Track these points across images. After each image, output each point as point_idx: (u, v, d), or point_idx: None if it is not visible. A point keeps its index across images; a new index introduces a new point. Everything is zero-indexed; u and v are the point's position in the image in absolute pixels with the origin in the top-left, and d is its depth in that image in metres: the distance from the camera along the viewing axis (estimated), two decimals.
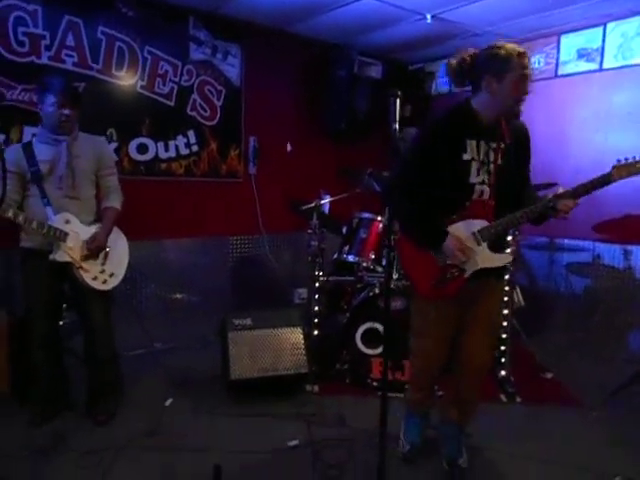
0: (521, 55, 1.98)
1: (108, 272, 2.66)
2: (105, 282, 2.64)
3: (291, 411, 2.87)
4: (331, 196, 3.69)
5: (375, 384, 3.11)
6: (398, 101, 1.83)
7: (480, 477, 2.33)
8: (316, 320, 3.32)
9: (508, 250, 3.17)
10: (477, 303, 2.21)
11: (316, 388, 3.15)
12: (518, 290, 3.66)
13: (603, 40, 3.97)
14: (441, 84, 5.11)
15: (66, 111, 2.49)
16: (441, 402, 2.49)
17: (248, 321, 3.10)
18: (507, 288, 3.29)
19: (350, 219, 3.51)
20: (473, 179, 2.09)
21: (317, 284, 3.33)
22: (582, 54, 4.10)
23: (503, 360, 3.31)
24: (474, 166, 2.08)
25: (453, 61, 2.14)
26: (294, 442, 2.53)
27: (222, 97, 4.34)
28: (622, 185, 3.85)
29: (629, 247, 3.85)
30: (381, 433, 1.91)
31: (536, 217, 2.14)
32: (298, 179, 4.55)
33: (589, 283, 4.12)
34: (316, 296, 3.33)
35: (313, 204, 3.34)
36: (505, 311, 3.31)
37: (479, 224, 2.11)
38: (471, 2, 3.66)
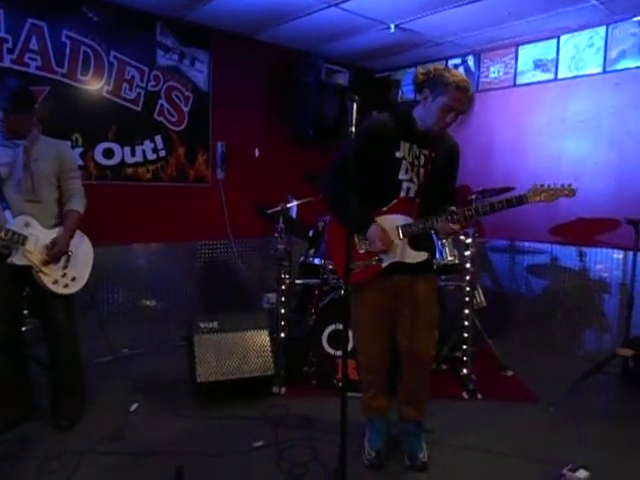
0: (460, 89, 2.12)
1: (70, 276, 2.64)
2: (67, 286, 2.63)
3: (257, 413, 2.90)
4: (298, 200, 3.74)
5: (341, 385, 3.15)
6: (355, 105, 1.91)
7: (440, 470, 2.39)
8: (283, 323, 3.35)
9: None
10: (410, 298, 2.32)
11: (283, 390, 3.19)
12: (480, 291, 3.78)
13: (557, 51, 4.15)
14: (407, 92, 5.23)
15: (12, 116, 2.48)
16: (397, 402, 2.53)
17: (214, 324, 3.12)
18: (468, 289, 3.40)
19: (316, 223, 3.57)
20: (402, 176, 2.26)
21: (283, 287, 3.37)
22: (538, 64, 4.27)
23: (465, 359, 3.41)
24: (404, 164, 2.25)
25: (417, 71, 2.30)
26: (259, 443, 2.56)
27: (190, 103, 4.35)
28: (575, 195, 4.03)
29: (583, 249, 4.02)
30: (342, 432, 1.96)
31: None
32: (266, 184, 4.59)
33: (548, 284, 4.28)
34: (283, 299, 3.37)
35: (279, 208, 3.38)
36: (466, 311, 3.42)
37: (403, 220, 2.26)
38: (432, 13, 3.77)
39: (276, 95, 4.80)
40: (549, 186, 2.14)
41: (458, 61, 4.78)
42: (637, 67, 3.73)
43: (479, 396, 3.22)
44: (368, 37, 4.36)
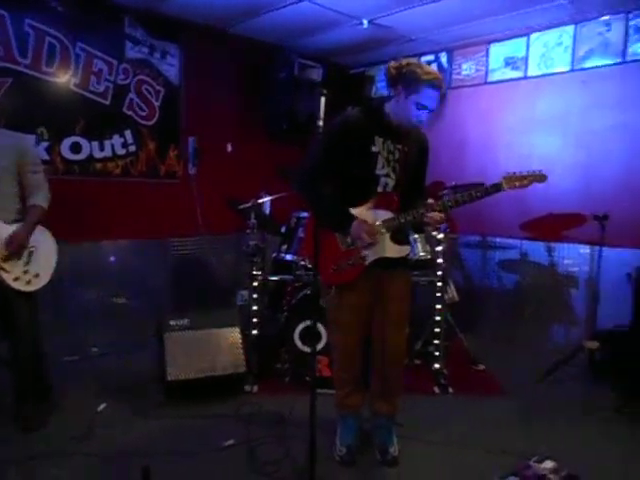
0: (433, 88, 2.12)
1: (32, 272, 2.57)
2: (29, 283, 2.55)
3: (229, 411, 2.87)
4: (271, 196, 3.71)
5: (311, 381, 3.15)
6: (324, 100, 1.90)
7: (410, 464, 2.41)
8: (255, 320, 3.33)
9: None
10: (385, 293, 2.32)
11: (255, 388, 3.16)
12: (452, 286, 3.81)
13: (527, 50, 4.21)
14: (381, 88, 5.23)
15: None
16: (369, 397, 2.53)
17: (185, 322, 3.08)
18: (440, 284, 3.43)
19: (289, 218, 3.55)
20: (379, 171, 2.24)
21: (255, 284, 3.34)
22: (509, 62, 4.32)
23: (437, 354, 3.44)
24: (380, 159, 2.24)
25: (389, 65, 2.25)
26: (230, 442, 2.54)
27: (160, 97, 4.27)
28: (544, 186, 4.10)
29: (552, 244, 4.10)
30: (312, 427, 1.95)
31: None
32: (238, 179, 4.54)
33: (518, 279, 4.35)
34: (255, 296, 3.34)
35: (250, 203, 3.35)
36: (438, 306, 3.45)
37: (384, 215, 2.24)
38: (404, 9, 3.78)
39: (249, 89, 4.75)
40: (520, 173, 2.15)
41: (431, 57, 4.81)
42: (604, 66, 3.81)
43: (450, 390, 3.25)
44: (341, 32, 4.35)
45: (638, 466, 2.43)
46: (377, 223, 2.24)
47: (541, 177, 2.15)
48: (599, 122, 3.85)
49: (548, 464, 2.27)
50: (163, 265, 4.39)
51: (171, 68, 4.32)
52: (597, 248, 3.40)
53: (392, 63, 2.21)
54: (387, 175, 2.26)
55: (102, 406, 2.88)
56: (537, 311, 4.21)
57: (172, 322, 3.07)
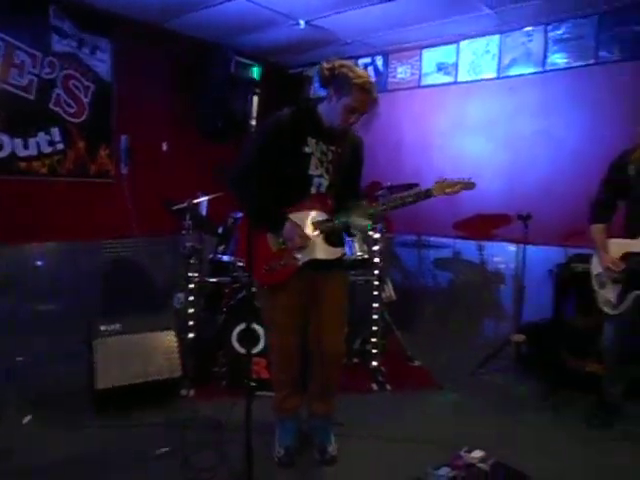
0: (365, 91, 2.13)
1: None
2: None
3: (163, 418, 2.78)
4: (207, 196, 3.65)
5: (253, 384, 3.12)
6: (256, 99, 1.88)
7: (349, 462, 2.44)
8: (191, 323, 3.26)
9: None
10: (322, 294, 2.33)
11: (192, 393, 3.09)
12: (389, 285, 3.90)
13: (457, 56, 4.38)
14: (319, 88, 5.25)
15: None
16: (307, 398, 2.54)
17: (117, 326, 2.97)
18: (377, 283, 3.50)
19: (226, 219, 3.50)
20: (312, 171, 2.25)
21: (192, 286, 3.27)
22: (440, 67, 4.49)
23: (375, 352, 3.51)
24: (313, 160, 2.24)
25: (321, 66, 2.24)
26: (163, 450, 2.46)
27: (90, 93, 4.09)
28: (476, 188, 4.27)
29: (482, 243, 4.29)
30: (247, 430, 1.93)
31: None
32: (174, 179, 4.43)
33: (452, 276, 4.52)
34: (191, 298, 3.27)
35: (186, 204, 3.27)
36: (376, 305, 3.52)
37: (318, 216, 2.26)
38: (341, 12, 3.83)
39: (185, 87, 4.64)
40: (451, 180, 2.21)
41: (368, 60, 4.90)
42: (527, 74, 4.03)
43: (388, 387, 3.32)
44: (279, 32, 4.34)
45: (560, 450, 2.58)
46: (309, 224, 2.25)
47: (470, 185, 2.22)
48: (524, 127, 4.07)
49: (477, 453, 2.36)
50: (95, 269, 4.20)
51: (102, 64, 4.14)
52: (522, 246, 3.59)
53: (324, 64, 2.21)
54: (320, 176, 2.27)
55: (27, 419, 2.73)
56: (469, 307, 4.39)
57: (103, 327, 2.94)
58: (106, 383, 2.80)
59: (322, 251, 2.27)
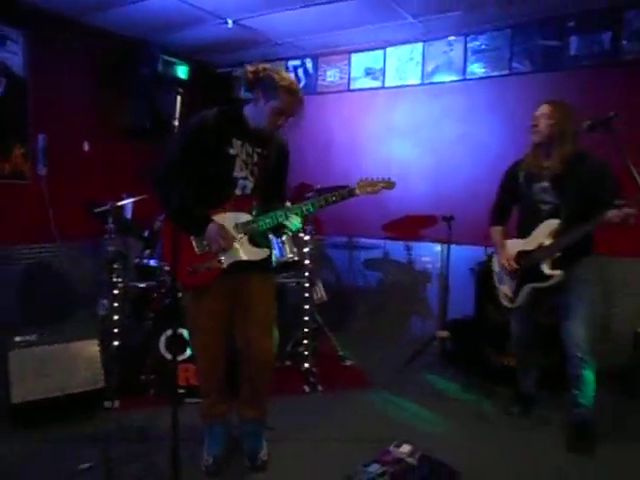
0: (291, 93, 2.15)
1: None
2: None
3: (87, 432, 2.65)
4: (132, 198, 3.52)
5: (182, 391, 3.05)
6: (179, 98, 1.86)
7: (280, 464, 2.43)
8: (116, 330, 3.13)
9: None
10: (248, 296, 2.32)
11: (116, 403, 2.96)
12: (320, 286, 3.94)
13: (384, 62, 4.51)
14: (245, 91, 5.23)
15: None
16: (237, 403, 2.51)
17: (33, 337, 2.79)
18: (307, 285, 3.52)
19: (152, 222, 3.39)
20: (237, 173, 2.25)
21: (116, 292, 3.14)
22: (369, 72, 4.59)
23: (307, 354, 3.53)
24: (238, 162, 2.24)
25: (246, 69, 2.23)
26: (86, 465, 2.34)
27: (1, 88, 3.82)
28: (402, 189, 4.40)
29: (410, 243, 4.43)
30: (174, 439, 1.88)
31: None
32: (98, 181, 4.23)
33: (382, 276, 4.63)
34: (115, 304, 3.14)
35: (108, 206, 3.14)
36: (306, 307, 3.54)
37: (243, 217, 2.25)
38: (269, 12, 3.82)
39: (109, 85, 4.44)
40: (372, 179, 2.26)
41: (298, 63, 4.92)
42: (449, 81, 4.22)
43: (320, 388, 3.34)
44: (206, 30, 4.26)
45: (483, 440, 2.72)
46: (234, 226, 2.23)
47: (389, 184, 2.27)
48: (447, 132, 4.25)
49: (405, 448, 2.44)
50: (9, 276, 3.93)
51: (14, 57, 3.87)
52: (446, 246, 3.76)
53: (249, 67, 2.20)
54: (245, 178, 2.27)
55: None
56: (398, 306, 4.53)
57: (18, 339, 2.76)
58: (22, 397, 2.63)
59: (246, 252, 2.26)
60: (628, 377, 3.34)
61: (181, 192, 2.20)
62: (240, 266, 2.26)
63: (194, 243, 2.25)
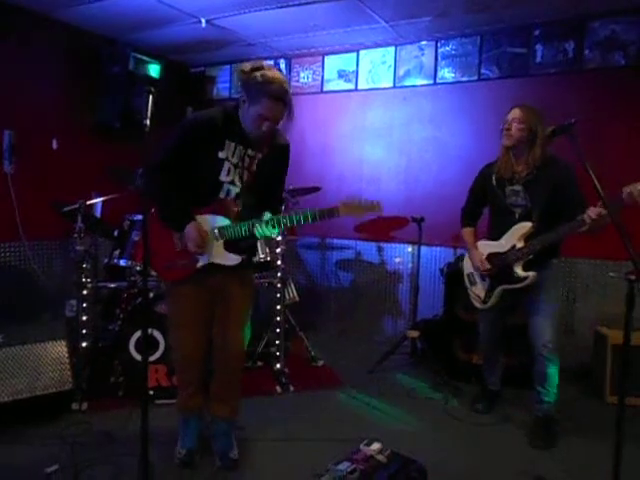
0: (275, 100, 2.09)
1: None
2: None
3: (53, 435, 2.60)
4: (102, 197, 3.47)
5: (152, 392, 3.02)
6: (151, 97, 1.85)
7: (251, 464, 2.44)
8: (85, 331, 3.08)
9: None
10: (222, 296, 2.34)
11: (85, 406, 2.91)
12: (292, 286, 3.96)
13: (357, 64, 4.55)
14: (222, 89, 5.21)
15: None
16: (208, 400, 2.50)
17: None
18: (279, 285, 3.53)
19: (122, 221, 3.35)
20: (223, 177, 2.23)
21: (85, 292, 3.09)
22: (342, 74, 4.63)
23: (278, 354, 3.54)
24: (226, 166, 2.22)
25: (239, 69, 2.20)
26: (54, 467, 2.30)
27: None
28: (374, 190, 4.47)
29: (381, 244, 4.49)
30: (144, 441, 1.86)
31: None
32: (66, 179, 4.14)
33: (354, 277, 4.68)
34: (84, 305, 3.09)
35: (77, 205, 3.09)
36: (278, 307, 3.55)
37: (221, 221, 2.24)
38: (242, 13, 3.81)
39: (78, 82, 4.36)
40: (358, 202, 2.12)
41: (271, 63, 4.91)
42: (420, 85, 4.29)
43: (291, 388, 3.35)
44: (179, 30, 4.23)
45: (450, 437, 2.78)
46: (212, 229, 2.23)
47: (376, 208, 2.13)
48: (417, 134, 4.33)
49: (375, 445, 2.48)
50: None
51: None
52: (417, 247, 3.82)
53: (242, 66, 2.15)
54: (232, 182, 2.25)
55: None
56: (370, 306, 4.58)
57: None
58: None
59: (220, 257, 2.26)
60: (589, 375, 3.47)
61: (168, 189, 2.21)
62: (216, 268, 2.27)
63: (175, 239, 2.26)
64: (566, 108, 3.55)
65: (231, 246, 2.27)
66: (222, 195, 2.25)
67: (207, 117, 2.20)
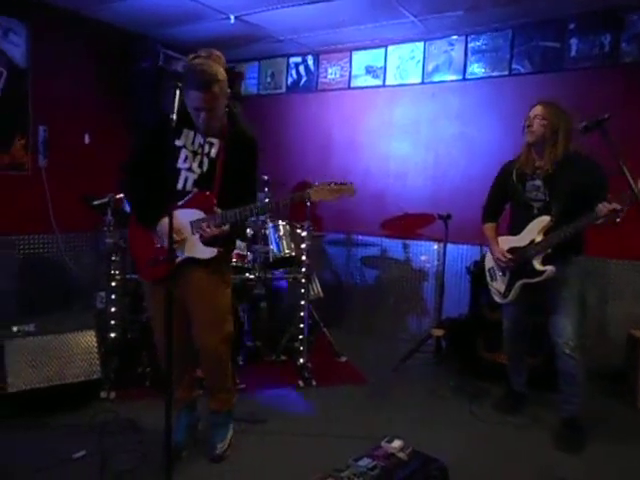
0: (199, 89, 2.07)
1: None
2: None
3: (81, 421, 2.68)
4: None
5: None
6: (178, 92, 1.87)
7: (273, 459, 2.46)
8: (113, 322, 3.16)
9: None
10: (195, 292, 2.32)
11: (113, 394, 3.00)
12: (317, 282, 3.97)
13: (385, 60, 4.51)
14: (250, 85, 5.25)
15: None
16: (205, 394, 2.55)
17: (31, 327, 2.83)
18: (304, 280, 3.54)
19: None
20: (180, 164, 2.26)
21: (114, 284, 3.16)
22: (369, 70, 4.60)
23: (302, 349, 3.56)
24: (183, 153, 2.26)
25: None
26: (81, 453, 2.38)
27: (3, 79, 3.83)
28: (400, 187, 4.43)
29: (407, 241, 4.45)
30: (167, 431, 1.90)
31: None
32: (98, 173, 4.23)
33: (378, 274, 4.65)
34: (113, 297, 3.16)
35: (107, 199, 3.16)
36: (302, 302, 3.56)
37: (197, 215, 2.25)
38: (272, 9, 3.82)
39: (110, 78, 4.46)
40: (331, 185, 2.13)
41: (299, 59, 4.93)
42: (448, 81, 4.23)
43: (314, 383, 3.37)
44: (209, 26, 4.27)
45: (474, 437, 2.75)
46: (188, 223, 2.24)
47: (349, 189, 2.15)
48: (445, 131, 4.27)
49: (397, 443, 2.47)
50: (8, 266, 3.95)
51: (16, 48, 3.89)
52: (442, 244, 3.77)
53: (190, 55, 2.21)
54: (189, 169, 2.27)
55: None
56: (395, 303, 4.55)
57: (15, 328, 2.80)
58: (18, 386, 2.66)
59: (197, 250, 2.26)
60: (621, 379, 3.37)
61: (138, 184, 2.28)
62: (192, 262, 2.27)
63: (154, 236, 2.29)
64: (601, 103, 3.45)
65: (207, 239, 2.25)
66: (180, 182, 2.26)
67: (164, 110, 2.15)
